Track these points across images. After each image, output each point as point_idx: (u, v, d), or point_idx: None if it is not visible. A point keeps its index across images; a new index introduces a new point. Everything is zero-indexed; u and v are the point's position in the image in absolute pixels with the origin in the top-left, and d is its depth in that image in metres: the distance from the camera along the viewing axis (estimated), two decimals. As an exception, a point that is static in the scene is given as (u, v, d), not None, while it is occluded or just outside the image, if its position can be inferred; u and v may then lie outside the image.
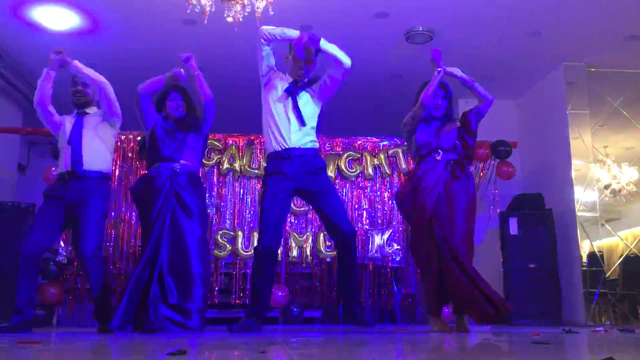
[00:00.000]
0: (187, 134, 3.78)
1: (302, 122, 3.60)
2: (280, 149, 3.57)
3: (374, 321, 3.66)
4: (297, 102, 3.61)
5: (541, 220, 5.77)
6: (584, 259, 5.75)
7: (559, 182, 6.11)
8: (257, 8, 4.15)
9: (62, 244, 5.42)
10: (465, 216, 3.64)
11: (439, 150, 3.71)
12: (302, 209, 5.70)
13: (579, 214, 5.85)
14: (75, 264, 5.47)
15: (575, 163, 5.97)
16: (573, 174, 5.95)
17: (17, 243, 4.94)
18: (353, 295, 3.66)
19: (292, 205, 5.58)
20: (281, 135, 3.59)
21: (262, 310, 3.57)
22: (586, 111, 6.09)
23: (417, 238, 3.69)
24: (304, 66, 3.61)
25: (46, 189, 3.94)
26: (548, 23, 5.30)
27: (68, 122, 3.95)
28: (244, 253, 5.60)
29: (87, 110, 3.97)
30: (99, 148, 3.89)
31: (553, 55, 5.94)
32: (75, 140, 3.85)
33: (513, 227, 5.75)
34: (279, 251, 5.58)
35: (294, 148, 3.56)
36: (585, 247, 5.81)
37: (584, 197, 5.91)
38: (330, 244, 5.71)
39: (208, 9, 4.10)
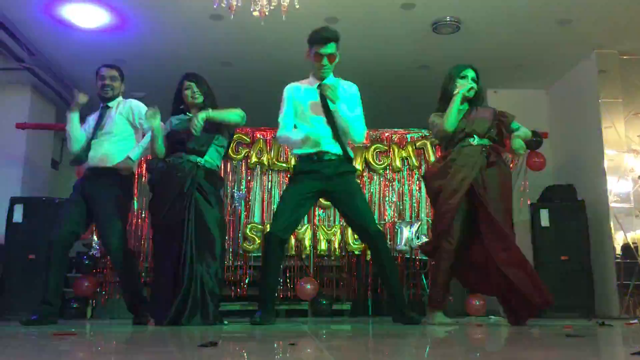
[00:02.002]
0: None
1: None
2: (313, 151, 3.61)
3: (419, 317, 3.63)
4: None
5: (573, 211, 5.67)
6: (618, 251, 5.63)
7: (591, 172, 5.99)
8: (283, 2, 4.15)
9: (95, 237, 5.51)
10: (503, 201, 3.56)
11: (474, 135, 3.63)
12: (329, 202, 5.70)
13: (612, 205, 5.74)
14: (108, 257, 5.57)
15: (608, 153, 5.85)
16: (606, 164, 5.83)
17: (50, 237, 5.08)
18: (399, 295, 3.64)
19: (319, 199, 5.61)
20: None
21: (271, 301, 3.60)
22: (619, 100, 5.95)
23: (441, 219, 3.59)
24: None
25: (76, 183, 4.04)
26: (579, 10, 5.19)
27: (93, 117, 4.09)
28: (273, 246, 5.63)
29: (110, 104, 4.07)
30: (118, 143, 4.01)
31: (584, 43, 5.82)
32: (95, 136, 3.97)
33: (544, 219, 5.67)
34: (308, 244, 5.67)
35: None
36: (618, 239, 5.69)
37: (617, 187, 5.80)
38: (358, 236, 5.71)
39: (234, 3, 4.11)
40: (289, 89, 3.74)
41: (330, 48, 3.58)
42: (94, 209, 3.89)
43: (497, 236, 3.45)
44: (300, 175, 3.63)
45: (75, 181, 4.08)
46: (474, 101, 3.77)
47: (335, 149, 3.60)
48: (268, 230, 3.64)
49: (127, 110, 4.04)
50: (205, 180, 3.71)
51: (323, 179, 3.57)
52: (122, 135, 4.02)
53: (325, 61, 3.60)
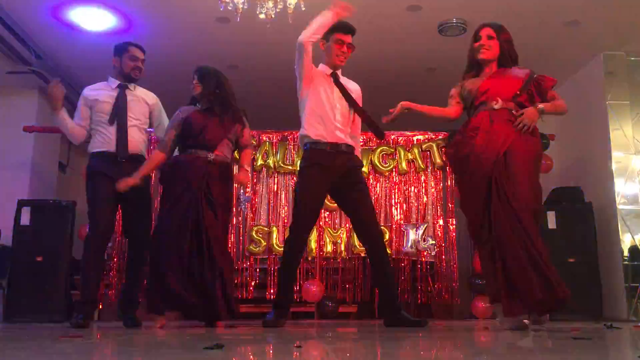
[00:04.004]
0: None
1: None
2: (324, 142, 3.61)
3: (420, 320, 3.56)
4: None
5: (580, 214, 5.64)
6: (626, 253, 5.61)
7: (599, 174, 5.97)
8: (289, 4, 4.15)
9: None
10: (529, 173, 3.12)
11: (498, 98, 3.21)
12: (335, 204, 5.70)
13: (619, 207, 5.71)
14: (115, 259, 5.58)
15: (616, 155, 5.82)
16: (613, 166, 5.80)
17: (57, 240, 5.09)
18: (394, 301, 3.59)
19: (325, 200, 5.61)
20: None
21: (288, 302, 3.66)
22: (626, 101, 5.92)
23: (470, 197, 3.20)
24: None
25: (95, 167, 3.88)
26: (586, 12, 5.17)
27: (107, 95, 3.95)
28: (279, 248, 5.63)
29: (130, 86, 4.03)
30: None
31: (591, 44, 5.79)
32: (121, 119, 3.88)
33: (551, 222, 5.64)
34: (314, 247, 5.66)
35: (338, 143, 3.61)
36: (626, 241, 5.66)
37: (625, 189, 5.77)
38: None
39: (240, 6, 4.12)
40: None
41: (350, 38, 3.68)
42: (130, 193, 3.73)
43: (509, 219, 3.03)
44: (311, 170, 3.60)
45: (96, 166, 3.85)
46: (502, 60, 3.34)
47: (348, 139, 3.62)
48: (291, 232, 3.63)
49: (157, 110, 4.06)
50: (219, 179, 3.66)
51: (333, 173, 3.57)
52: (144, 120, 4.01)
53: (345, 48, 3.66)
